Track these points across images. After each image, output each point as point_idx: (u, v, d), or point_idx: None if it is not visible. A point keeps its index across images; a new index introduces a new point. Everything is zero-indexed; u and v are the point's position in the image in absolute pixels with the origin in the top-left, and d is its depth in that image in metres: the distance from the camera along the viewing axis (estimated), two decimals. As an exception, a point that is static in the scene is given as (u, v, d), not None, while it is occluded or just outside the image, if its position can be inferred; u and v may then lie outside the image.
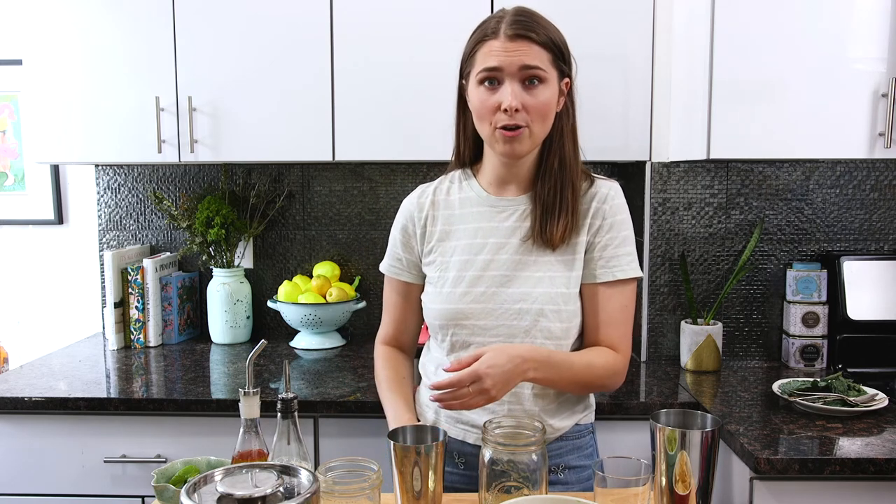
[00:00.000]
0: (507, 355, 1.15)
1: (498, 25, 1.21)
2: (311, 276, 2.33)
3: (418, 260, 1.38)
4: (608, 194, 1.31)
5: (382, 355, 1.46)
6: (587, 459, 1.35)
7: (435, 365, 1.38)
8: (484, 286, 1.28)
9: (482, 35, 1.23)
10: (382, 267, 1.45)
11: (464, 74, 1.29)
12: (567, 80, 1.28)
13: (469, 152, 1.37)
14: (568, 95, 1.29)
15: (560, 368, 1.22)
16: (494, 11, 1.30)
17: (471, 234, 1.32)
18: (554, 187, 1.27)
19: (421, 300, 1.39)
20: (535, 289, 1.27)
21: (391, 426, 1.29)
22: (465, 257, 1.31)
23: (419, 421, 1.37)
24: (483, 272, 1.29)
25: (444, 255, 1.33)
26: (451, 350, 1.33)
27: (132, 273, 2.24)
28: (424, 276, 1.38)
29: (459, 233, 1.33)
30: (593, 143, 1.99)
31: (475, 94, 1.24)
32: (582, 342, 1.32)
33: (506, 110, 1.20)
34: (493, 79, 1.21)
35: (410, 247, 1.38)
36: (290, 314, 2.21)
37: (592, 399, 1.40)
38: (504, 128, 1.21)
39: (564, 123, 1.28)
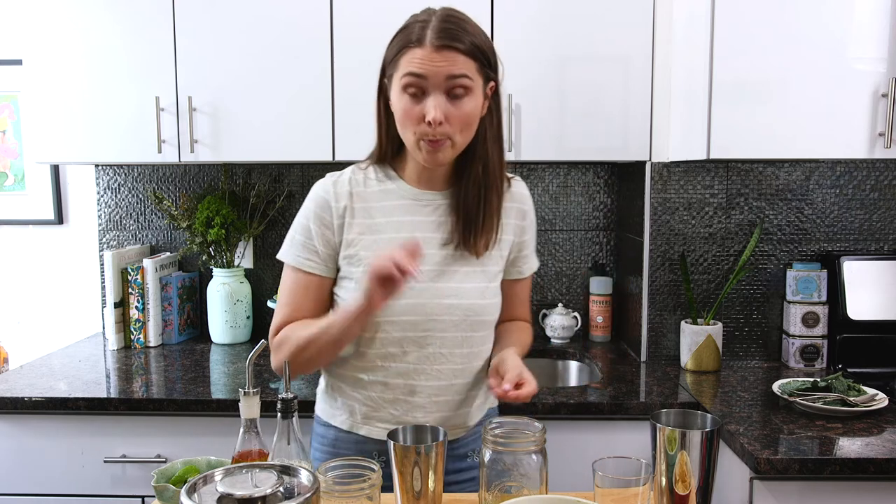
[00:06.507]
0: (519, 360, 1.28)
1: (423, 32, 1.17)
2: (311, 276, 2.33)
3: (335, 253, 1.30)
4: (523, 193, 1.38)
5: (287, 334, 1.28)
6: None
7: (357, 372, 1.30)
8: (413, 281, 1.24)
9: (406, 41, 1.18)
10: (288, 258, 1.31)
11: (386, 75, 1.25)
12: (492, 83, 1.25)
13: (392, 150, 1.32)
14: (493, 98, 1.26)
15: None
16: (420, 12, 1.22)
17: (395, 227, 1.29)
18: (478, 194, 1.27)
19: (331, 294, 1.32)
20: (464, 284, 1.28)
21: (338, 328, 1.20)
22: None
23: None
24: None
25: (367, 250, 1.28)
26: (381, 346, 1.27)
27: (132, 273, 2.24)
28: (338, 271, 1.31)
29: (383, 226, 1.29)
30: (593, 143, 2.00)
31: (398, 102, 1.21)
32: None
33: (429, 122, 1.17)
34: (416, 87, 1.18)
35: (327, 239, 1.29)
36: (290, 314, 2.20)
37: None
38: (427, 139, 1.20)
39: (488, 127, 1.26)
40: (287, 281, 1.33)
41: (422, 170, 1.30)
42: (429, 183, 1.31)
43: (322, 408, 1.39)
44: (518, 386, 1.19)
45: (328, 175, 1.34)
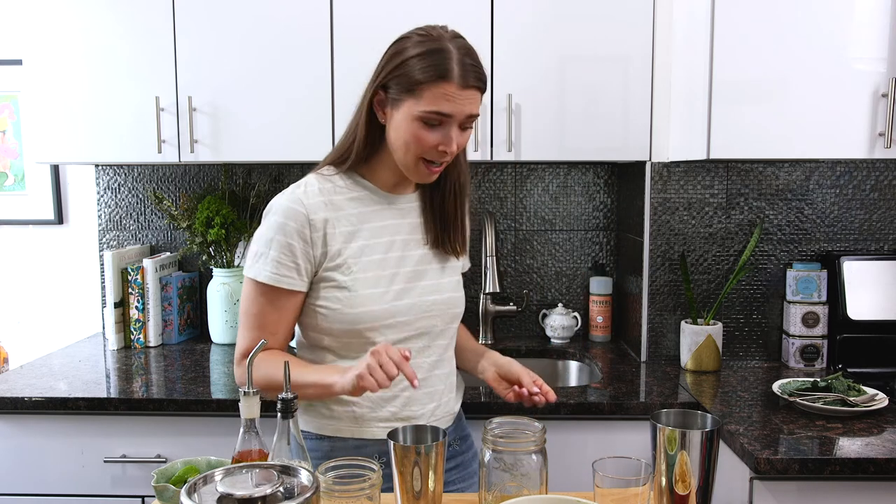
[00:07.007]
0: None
1: (449, 66, 1.19)
2: (311, 276, 2.33)
3: (315, 267, 1.29)
4: None
5: (256, 362, 1.15)
6: (465, 429, 1.50)
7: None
8: (402, 283, 1.32)
9: (430, 74, 1.19)
10: (264, 276, 1.26)
11: (388, 91, 1.24)
12: None
13: (366, 156, 1.32)
14: None
15: None
16: (431, 34, 1.24)
17: (377, 232, 1.31)
18: (455, 202, 1.37)
19: (310, 309, 1.31)
20: (442, 279, 1.37)
21: (314, 393, 1.25)
22: (377, 256, 1.30)
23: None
24: (398, 269, 1.32)
25: (354, 257, 1.28)
26: None
27: (132, 273, 2.24)
28: (311, 284, 1.30)
29: (365, 232, 1.30)
30: (593, 143, 2.00)
31: (409, 127, 1.22)
32: None
33: (444, 152, 1.24)
34: (436, 120, 1.22)
35: (307, 253, 1.27)
36: (290, 314, 2.21)
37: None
38: (431, 162, 1.26)
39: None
40: (257, 301, 1.28)
41: (397, 176, 1.33)
42: (400, 187, 1.36)
43: (312, 422, 1.35)
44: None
45: (291, 187, 1.30)
